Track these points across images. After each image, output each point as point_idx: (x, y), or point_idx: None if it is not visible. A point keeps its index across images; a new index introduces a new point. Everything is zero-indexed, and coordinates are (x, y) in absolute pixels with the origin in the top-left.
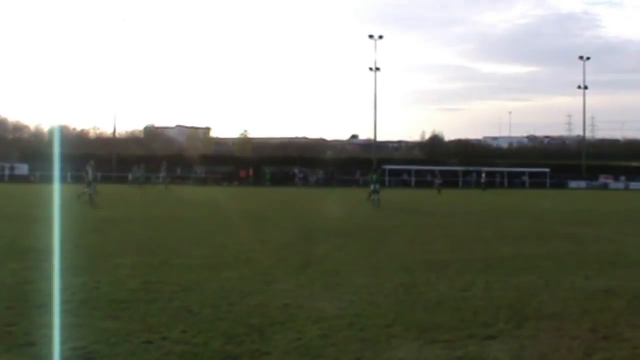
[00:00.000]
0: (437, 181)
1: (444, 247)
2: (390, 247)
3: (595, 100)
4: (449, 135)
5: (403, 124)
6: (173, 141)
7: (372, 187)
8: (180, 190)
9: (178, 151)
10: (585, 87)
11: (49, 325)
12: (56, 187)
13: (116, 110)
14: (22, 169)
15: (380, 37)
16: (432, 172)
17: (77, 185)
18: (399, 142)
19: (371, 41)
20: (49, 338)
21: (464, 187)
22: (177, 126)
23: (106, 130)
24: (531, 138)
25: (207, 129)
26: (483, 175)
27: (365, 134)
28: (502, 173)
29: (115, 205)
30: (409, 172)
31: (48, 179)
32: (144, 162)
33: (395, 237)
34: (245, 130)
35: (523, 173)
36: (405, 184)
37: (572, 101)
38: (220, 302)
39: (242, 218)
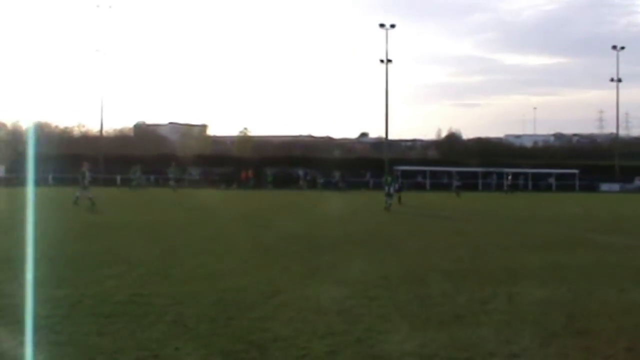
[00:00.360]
0: (456, 183)
1: (462, 255)
2: (403, 255)
3: (629, 94)
4: (467, 134)
5: (417, 121)
6: (166, 140)
7: (386, 189)
8: (172, 193)
9: (171, 151)
10: (619, 80)
11: (28, 344)
12: (30, 191)
13: (103, 107)
14: None
15: (392, 26)
16: (449, 173)
17: (60, 189)
18: (413, 140)
19: (382, 31)
20: (27, 358)
21: (484, 190)
22: (170, 123)
23: (92, 128)
24: (558, 136)
25: (203, 127)
26: (509, 177)
27: (375, 132)
28: (526, 175)
29: (104, 210)
30: (423, 173)
31: (27, 182)
32: (138, 162)
33: (409, 245)
34: (245, 128)
35: (549, 175)
36: (420, 187)
37: (604, 95)
38: (217, 315)
39: (241, 224)
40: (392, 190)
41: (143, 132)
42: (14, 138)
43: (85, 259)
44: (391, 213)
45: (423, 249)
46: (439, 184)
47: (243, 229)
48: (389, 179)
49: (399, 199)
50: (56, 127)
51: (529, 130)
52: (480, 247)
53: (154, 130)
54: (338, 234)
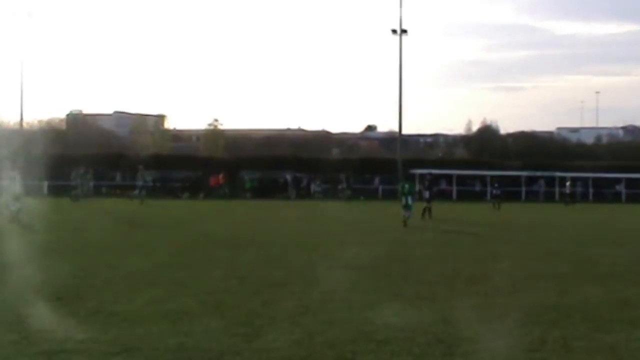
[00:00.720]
0: (494, 191)
1: (501, 286)
2: (424, 285)
3: None
4: (507, 126)
5: (440, 111)
6: (110, 134)
7: (403, 200)
8: (120, 205)
9: (118, 149)
10: None
11: None
12: None
13: (24, 91)
14: None
15: None
16: (482, 178)
17: None
18: (435, 135)
19: None
20: None
21: (529, 200)
22: (116, 113)
23: (8, 119)
24: (629, 129)
25: (160, 117)
26: (567, 184)
27: (385, 125)
28: (585, 180)
29: (27, 229)
30: (449, 178)
31: None
32: (81, 164)
33: (431, 272)
34: (216, 120)
35: (617, 180)
36: (445, 195)
37: None
38: None
39: (210, 244)
40: (410, 201)
41: (79, 124)
42: None
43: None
44: (409, 230)
45: (449, 277)
46: (470, 192)
47: (212, 251)
48: (407, 186)
49: (428, 211)
50: None
51: (589, 122)
52: (526, 276)
53: (94, 122)
54: (338, 258)
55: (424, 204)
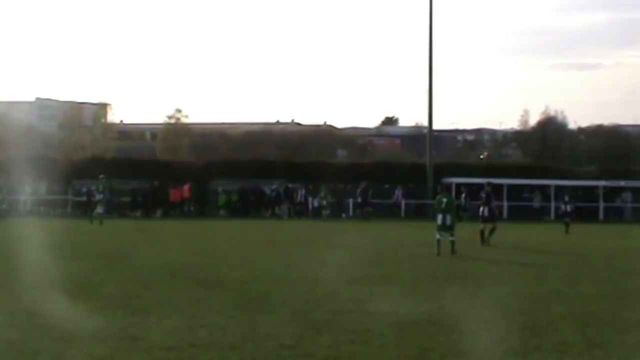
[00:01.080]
0: (564, 207)
1: (571, 340)
2: (459, 336)
3: None
4: (578, 119)
5: (486, 98)
6: (30, 129)
7: (439, 219)
8: (47, 227)
9: (42, 149)
10: None
11: None
12: None
13: None
14: None
15: None
16: (544, 189)
17: None
18: (478, 131)
19: None
20: None
21: (610, 220)
22: (39, 100)
23: None
24: None
25: (103, 107)
26: None
27: (410, 118)
28: None
29: None
30: (498, 189)
31: None
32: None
33: (472, 317)
34: (179, 111)
35: None
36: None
37: None
38: None
39: (171, 282)
40: (449, 221)
41: None
42: None
43: None
44: (443, 260)
45: (500, 324)
46: (526, 208)
47: (173, 291)
48: (444, 200)
49: (489, 233)
50: None
51: None
52: (606, 325)
53: (8, 112)
54: (346, 299)
55: (487, 225)
